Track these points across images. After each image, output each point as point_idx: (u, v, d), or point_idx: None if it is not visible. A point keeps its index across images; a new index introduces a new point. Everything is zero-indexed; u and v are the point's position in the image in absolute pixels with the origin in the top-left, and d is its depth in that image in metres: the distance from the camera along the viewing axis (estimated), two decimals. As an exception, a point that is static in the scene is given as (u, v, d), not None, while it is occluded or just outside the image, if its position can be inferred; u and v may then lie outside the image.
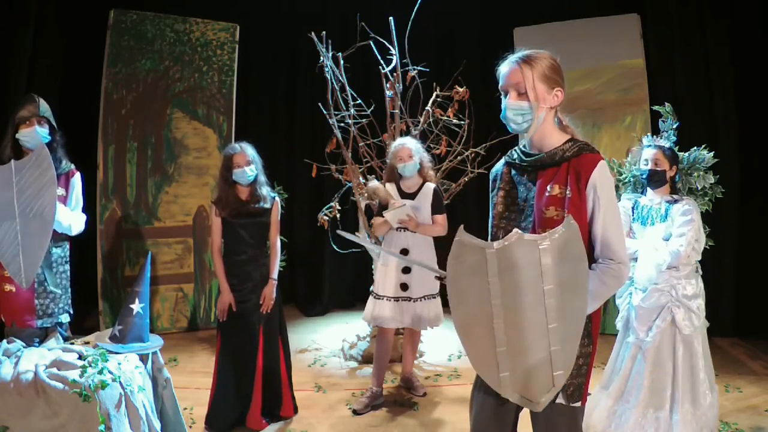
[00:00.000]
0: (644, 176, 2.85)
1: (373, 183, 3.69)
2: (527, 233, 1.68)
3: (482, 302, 1.51)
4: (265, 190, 3.18)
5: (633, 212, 2.92)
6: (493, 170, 1.93)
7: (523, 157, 1.80)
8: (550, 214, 1.69)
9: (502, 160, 1.91)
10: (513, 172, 1.84)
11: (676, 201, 2.79)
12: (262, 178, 3.19)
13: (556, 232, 1.53)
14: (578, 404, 1.72)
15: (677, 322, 2.73)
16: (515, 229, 1.54)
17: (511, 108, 1.72)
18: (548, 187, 1.71)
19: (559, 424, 1.72)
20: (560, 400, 1.69)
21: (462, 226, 1.54)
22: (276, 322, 3.22)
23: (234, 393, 3.12)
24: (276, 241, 3.25)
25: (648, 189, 2.89)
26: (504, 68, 1.76)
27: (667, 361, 2.75)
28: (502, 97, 1.77)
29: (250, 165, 3.09)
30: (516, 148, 1.87)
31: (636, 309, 2.82)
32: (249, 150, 3.12)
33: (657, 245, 2.75)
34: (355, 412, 3.46)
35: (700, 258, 2.80)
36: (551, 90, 1.73)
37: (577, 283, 1.54)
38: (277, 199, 3.24)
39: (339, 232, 1.86)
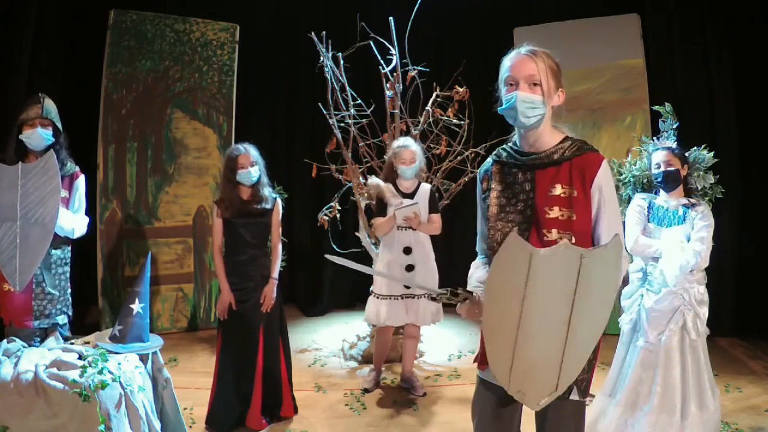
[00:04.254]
0: (659, 179, 2.82)
1: (375, 180, 3.69)
2: (527, 234, 1.67)
3: (515, 302, 1.51)
4: (267, 191, 3.19)
5: (648, 212, 2.87)
6: (482, 170, 1.86)
7: (517, 156, 1.74)
8: (554, 214, 1.65)
9: (489, 160, 1.84)
10: (505, 171, 1.77)
11: (693, 205, 2.78)
12: (265, 179, 3.21)
13: (602, 247, 1.52)
14: (586, 399, 1.74)
15: (687, 326, 2.72)
16: (564, 240, 1.51)
17: (524, 101, 1.64)
18: (550, 187, 1.67)
19: (569, 418, 1.73)
20: (574, 395, 1.69)
21: (516, 229, 1.53)
22: (276, 322, 3.22)
23: (234, 393, 3.12)
24: (277, 242, 3.26)
25: (661, 191, 2.86)
26: (512, 59, 1.69)
27: (676, 366, 2.73)
28: (503, 88, 1.70)
29: (254, 166, 3.11)
30: (505, 146, 1.80)
31: (648, 311, 2.77)
32: (253, 151, 3.14)
33: (683, 245, 2.73)
34: (366, 390, 3.73)
35: (707, 265, 2.77)
36: (557, 88, 1.70)
37: (605, 298, 1.54)
38: (279, 200, 3.26)
39: (329, 257, 1.82)
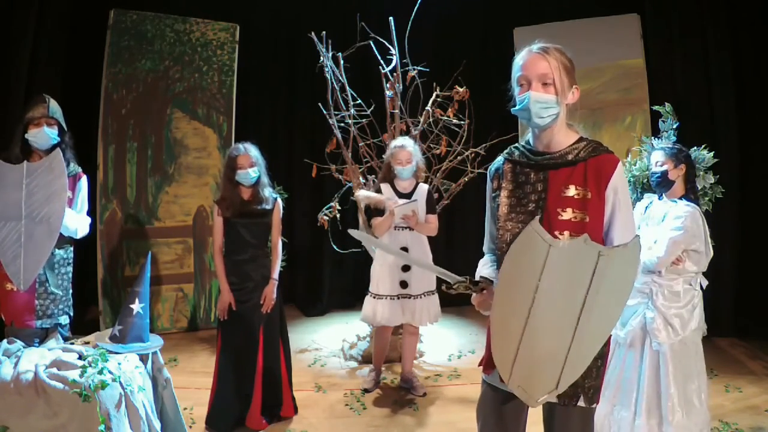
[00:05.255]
0: (651, 180, 2.82)
1: (362, 192, 3.70)
2: None
3: (527, 292, 1.50)
4: (267, 192, 3.20)
5: (644, 212, 2.86)
6: (492, 168, 1.84)
7: (530, 155, 1.71)
8: (567, 215, 1.63)
9: (501, 158, 1.81)
10: (517, 170, 1.75)
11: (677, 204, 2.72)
12: (265, 180, 3.21)
13: (621, 247, 1.51)
14: (594, 405, 1.70)
15: (648, 327, 2.67)
16: (585, 234, 1.50)
17: (538, 101, 1.61)
18: (564, 188, 1.64)
19: (575, 425, 1.69)
20: (581, 402, 1.66)
21: (537, 218, 1.51)
22: (276, 322, 3.22)
23: (234, 393, 3.12)
24: (277, 242, 3.26)
25: (662, 193, 2.83)
26: (524, 57, 1.66)
27: (634, 364, 2.71)
28: (516, 88, 1.68)
29: (254, 166, 3.11)
30: (517, 144, 1.78)
31: None
32: (253, 151, 3.15)
33: (650, 245, 2.70)
34: (366, 390, 3.73)
35: (699, 270, 2.72)
36: (571, 86, 1.66)
37: (617, 301, 1.52)
38: (279, 200, 3.26)
39: (351, 231, 1.77)
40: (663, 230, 2.68)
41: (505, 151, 1.81)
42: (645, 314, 2.70)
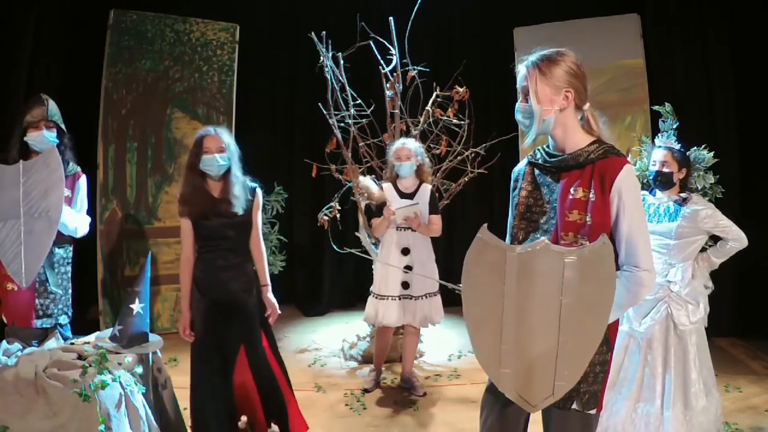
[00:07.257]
0: (651, 177, 2.84)
1: (366, 180, 3.70)
2: (549, 236, 1.68)
3: (495, 301, 1.51)
4: (237, 189, 2.61)
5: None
6: (516, 170, 1.90)
7: (547, 158, 1.77)
8: (573, 217, 1.65)
9: (525, 160, 1.88)
10: (536, 172, 1.80)
11: (684, 200, 2.76)
12: (239, 174, 2.64)
13: (587, 249, 1.50)
14: (593, 411, 1.69)
15: (674, 316, 2.71)
16: (543, 238, 1.53)
17: (518, 110, 1.76)
18: (572, 190, 1.67)
19: (572, 430, 1.69)
20: (575, 406, 1.66)
21: (485, 225, 1.54)
22: (258, 335, 2.73)
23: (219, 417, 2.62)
24: (259, 243, 2.75)
25: (656, 190, 2.86)
26: (520, 70, 1.77)
27: (658, 356, 2.73)
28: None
29: (222, 153, 2.55)
30: (539, 147, 1.83)
31: None
32: (225, 135, 2.60)
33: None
34: (366, 390, 3.73)
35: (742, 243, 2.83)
36: (558, 92, 1.70)
37: (600, 304, 1.51)
38: (258, 190, 2.73)
39: (360, 252, 1.84)
40: (718, 229, 2.77)
41: (529, 154, 1.87)
42: (669, 306, 2.73)
